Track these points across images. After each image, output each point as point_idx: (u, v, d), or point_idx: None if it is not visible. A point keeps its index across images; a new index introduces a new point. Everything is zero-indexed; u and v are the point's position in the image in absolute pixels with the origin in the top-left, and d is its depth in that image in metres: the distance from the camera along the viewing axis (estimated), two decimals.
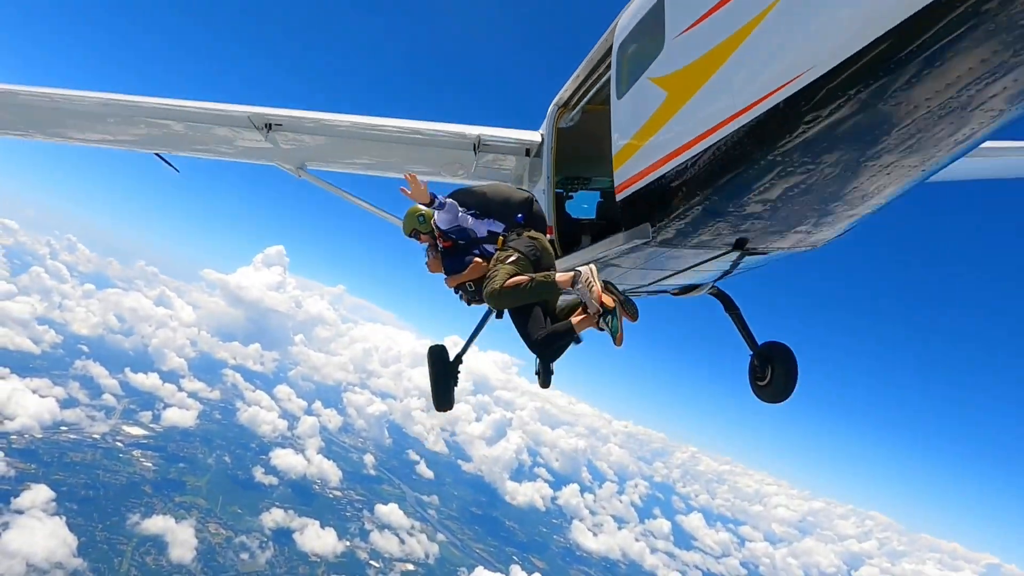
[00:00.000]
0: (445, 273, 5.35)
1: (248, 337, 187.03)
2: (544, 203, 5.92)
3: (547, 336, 4.48)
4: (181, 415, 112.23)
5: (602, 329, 4.27)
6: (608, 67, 4.85)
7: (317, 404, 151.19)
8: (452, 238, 5.22)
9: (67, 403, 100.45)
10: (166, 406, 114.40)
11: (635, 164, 4.24)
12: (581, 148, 6.61)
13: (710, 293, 5.95)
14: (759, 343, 5.77)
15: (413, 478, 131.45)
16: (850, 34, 2.57)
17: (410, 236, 5.49)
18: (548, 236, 5.57)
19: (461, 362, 7.43)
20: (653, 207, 4.10)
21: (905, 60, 2.43)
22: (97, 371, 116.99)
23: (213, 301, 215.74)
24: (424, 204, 5.02)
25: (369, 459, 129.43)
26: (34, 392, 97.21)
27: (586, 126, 5.66)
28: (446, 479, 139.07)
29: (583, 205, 7.42)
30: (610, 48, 4.70)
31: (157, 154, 7.25)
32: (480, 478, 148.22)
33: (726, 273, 5.00)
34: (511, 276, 4.69)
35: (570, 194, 7.47)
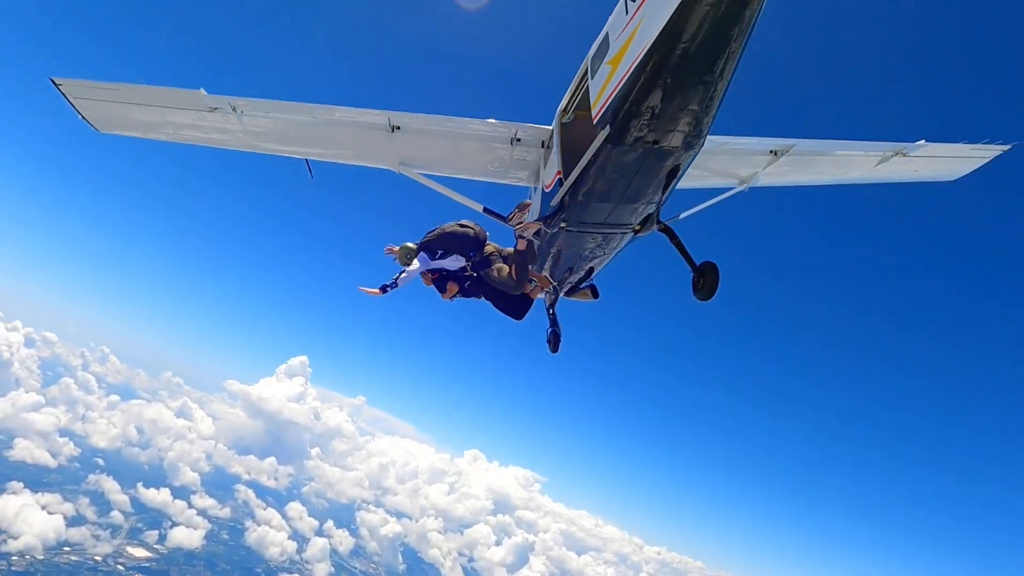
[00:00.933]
0: (438, 291, 8.14)
1: (264, 450, 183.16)
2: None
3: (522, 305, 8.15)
4: (188, 535, 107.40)
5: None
6: (585, 81, 6.37)
7: (329, 524, 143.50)
8: (436, 271, 7.95)
9: (74, 521, 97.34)
10: (173, 525, 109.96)
11: None
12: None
13: (659, 230, 7.35)
14: (697, 263, 7.43)
15: None
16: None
17: (405, 264, 7.94)
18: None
19: None
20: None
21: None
22: (109, 486, 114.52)
23: (233, 412, 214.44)
24: (405, 262, 7.84)
25: None
26: (43, 508, 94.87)
27: (577, 127, 6.74)
28: None
29: None
30: (586, 68, 6.32)
31: (306, 160, 8.17)
32: None
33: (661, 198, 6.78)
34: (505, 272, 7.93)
35: None
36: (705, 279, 7.27)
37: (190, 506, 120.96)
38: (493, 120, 7.67)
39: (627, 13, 5.31)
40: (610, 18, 5.69)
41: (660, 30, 4.73)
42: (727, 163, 8.45)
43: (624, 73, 5.37)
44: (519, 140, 7.76)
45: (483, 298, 8.09)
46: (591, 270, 8.68)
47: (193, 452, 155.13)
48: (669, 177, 6.32)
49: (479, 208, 8.22)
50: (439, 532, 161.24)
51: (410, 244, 7.90)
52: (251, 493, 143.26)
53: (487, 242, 7.92)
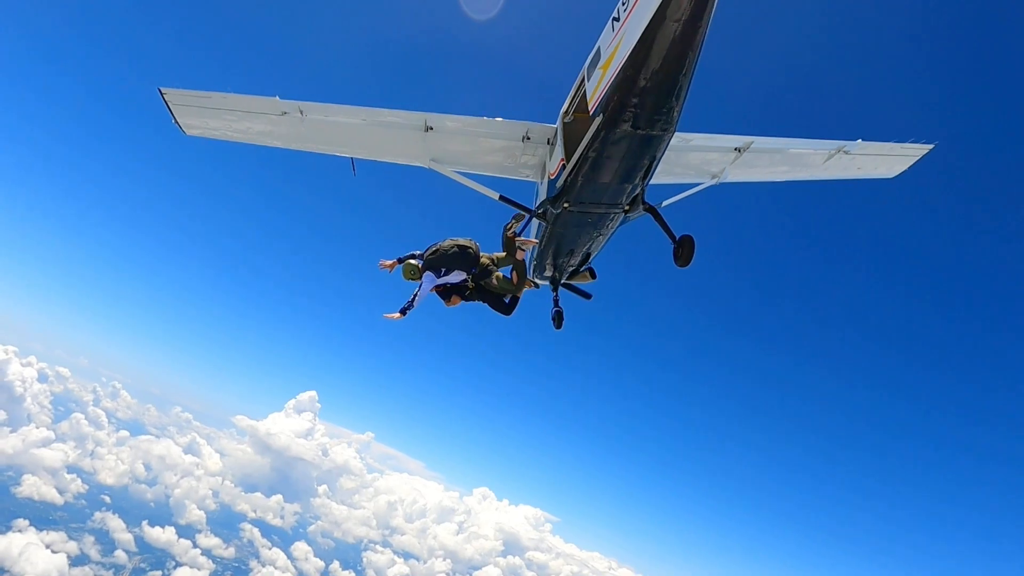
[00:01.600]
0: (442, 300, 8.91)
1: (271, 487, 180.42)
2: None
3: (511, 304, 9.24)
4: None
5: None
6: (582, 87, 7.71)
7: (335, 565, 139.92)
8: (441, 286, 8.64)
9: (78, 560, 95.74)
10: (177, 565, 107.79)
11: None
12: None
13: (645, 210, 8.65)
14: (677, 236, 8.62)
15: None
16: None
17: (410, 280, 8.54)
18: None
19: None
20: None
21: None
22: (115, 524, 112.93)
23: (241, 449, 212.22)
24: (410, 277, 8.58)
25: None
26: (48, 547, 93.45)
27: (577, 125, 7.92)
28: None
29: None
30: (583, 75, 7.67)
31: (351, 159, 9.48)
32: None
33: (643, 179, 8.04)
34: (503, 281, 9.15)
35: None
36: (683, 249, 8.59)
37: (195, 545, 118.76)
38: (501, 119, 9.00)
39: (613, 31, 6.87)
40: (601, 35, 7.18)
41: (637, 40, 6.28)
42: (699, 160, 9.90)
43: (613, 74, 6.80)
44: (529, 138, 9.20)
45: (481, 302, 9.26)
46: (588, 255, 10.05)
47: (200, 489, 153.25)
48: (650, 161, 7.71)
49: (496, 196, 9.48)
50: (447, 574, 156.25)
51: (412, 261, 8.61)
52: (257, 532, 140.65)
53: (480, 254, 8.93)
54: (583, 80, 7.62)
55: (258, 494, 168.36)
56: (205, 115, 8.61)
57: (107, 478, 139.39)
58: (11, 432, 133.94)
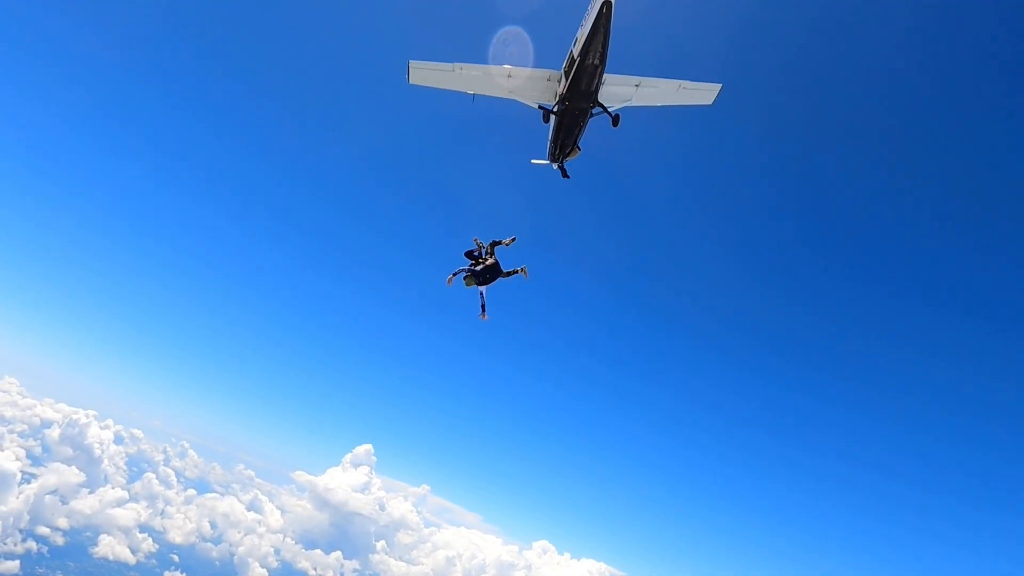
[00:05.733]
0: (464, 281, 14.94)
1: (331, 543, 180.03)
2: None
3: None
4: None
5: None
6: (572, 52, 15.56)
7: None
8: (467, 269, 14.94)
9: None
10: None
11: None
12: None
13: (599, 107, 16.42)
14: (613, 113, 16.53)
15: None
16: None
17: (470, 286, 14.73)
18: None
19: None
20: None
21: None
22: None
23: (301, 505, 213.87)
24: (472, 284, 14.82)
25: None
26: None
27: (570, 67, 15.90)
28: None
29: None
30: (571, 49, 15.50)
31: (540, 106, 16.99)
32: None
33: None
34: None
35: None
36: (616, 120, 16.69)
37: None
38: (543, 69, 16.66)
39: (581, 24, 14.78)
40: (579, 27, 14.93)
41: (589, 30, 14.49)
42: (623, 91, 16.86)
43: (580, 43, 14.92)
44: (549, 80, 16.63)
45: (484, 275, 14.76)
46: (576, 139, 17.77)
47: (262, 547, 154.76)
48: (597, 81, 15.72)
49: (535, 106, 16.90)
50: None
51: (466, 273, 14.72)
52: None
53: (481, 245, 15.30)
54: (574, 44, 15.28)
55: (318, 551, 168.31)
56: (422, 73, 16.19)
57: (176, 537, 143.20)
58: (89, 493, 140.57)
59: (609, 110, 16.32)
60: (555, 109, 16.54)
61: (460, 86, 16.32)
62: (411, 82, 15.93)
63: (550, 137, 18.12)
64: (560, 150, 18.20)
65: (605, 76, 15.55)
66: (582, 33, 14.63)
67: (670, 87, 17.08)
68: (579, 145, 17.88)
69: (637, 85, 16.76)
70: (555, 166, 19.12)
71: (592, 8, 14.11)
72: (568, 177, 19.14)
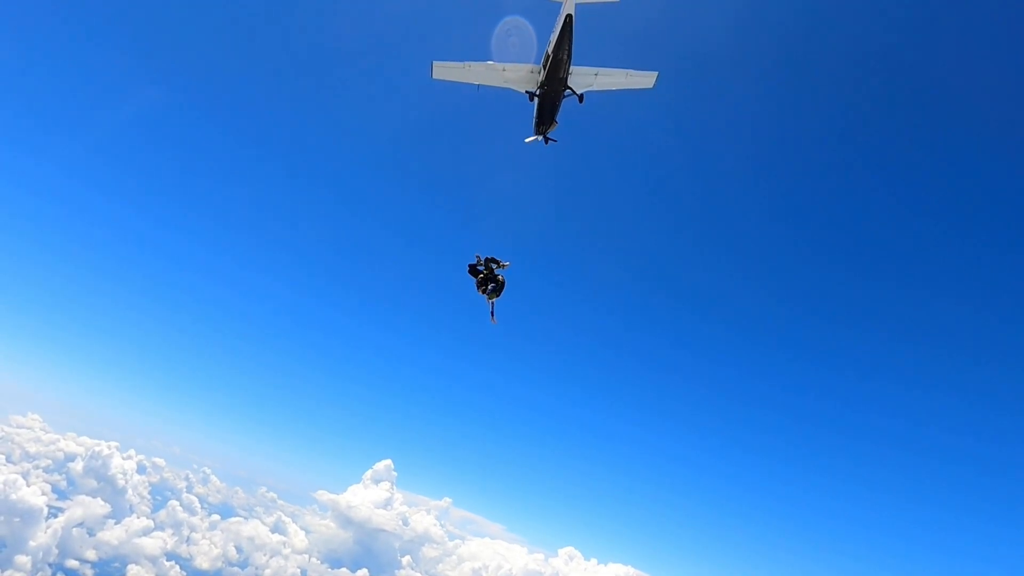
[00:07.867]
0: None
1: (356, 561, 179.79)
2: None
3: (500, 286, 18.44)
4: None
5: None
6: (548, 48, 21.59)
7: None
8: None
9: None
10: None
11: None
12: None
13: (569, 89, 22.20)
14: (580, 94, 22.48)
15: None
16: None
17: (483, 294, 18.27)
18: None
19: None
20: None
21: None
22: None
23: (324, 524, 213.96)
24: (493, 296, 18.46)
25: None
26: None
27: (546, 60, 21.93)
28: None
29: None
30: (547, 48, 21.76)
31: (528, 92, 22.72)
32: None
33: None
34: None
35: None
36: (581, 98, 22.20)
37: None
38: (530, 64, 21.90)
39: (553, 27, 20.45)
40: (552, 29, 20.68)
41: (559, 32, 20.21)
42: (586, 79, 21.88)
43: (552, 41, 20.66)
44: (532, 71, 21.88)
45: (486, 280, 17.87)
46: (553, 115, 23.03)
47: (288, 568, 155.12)
48: (565, 69, 21.28)
49: (524, 91, 22.48)
50: None
51: (484, 293, 18.00)
52: None
53: (480, 259, 18.18)
54: (548, 45, 20.29)
55: (343, 570, 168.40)
56: (445, 71, 21.25)
57: (203, 563, 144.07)
58: (116, 524, 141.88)
59: (577, 92, 21.80)
60: (537, 92, 22.22)
61: (469, 79, 21.41)
62: (434, 78, 21.11)
63: (535, 114, 23.46)
64: (542, 123, 23.74)
65: (572, 68, 21.14)
66: (554, 36, 20.08)
67: (619, 75, 22.05)
68: (556, 119, 23.33)
69: (596, 74, 21.71)
70: (541, 138, 24.36)
71: (560, 19, 19.55)
72: (554, 141, 24.40)
